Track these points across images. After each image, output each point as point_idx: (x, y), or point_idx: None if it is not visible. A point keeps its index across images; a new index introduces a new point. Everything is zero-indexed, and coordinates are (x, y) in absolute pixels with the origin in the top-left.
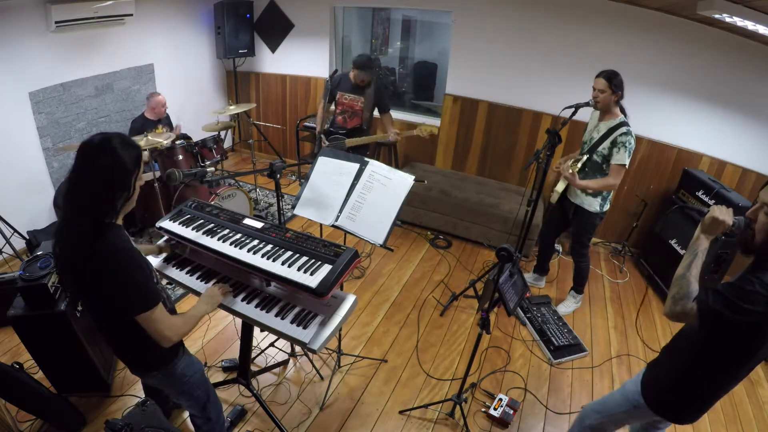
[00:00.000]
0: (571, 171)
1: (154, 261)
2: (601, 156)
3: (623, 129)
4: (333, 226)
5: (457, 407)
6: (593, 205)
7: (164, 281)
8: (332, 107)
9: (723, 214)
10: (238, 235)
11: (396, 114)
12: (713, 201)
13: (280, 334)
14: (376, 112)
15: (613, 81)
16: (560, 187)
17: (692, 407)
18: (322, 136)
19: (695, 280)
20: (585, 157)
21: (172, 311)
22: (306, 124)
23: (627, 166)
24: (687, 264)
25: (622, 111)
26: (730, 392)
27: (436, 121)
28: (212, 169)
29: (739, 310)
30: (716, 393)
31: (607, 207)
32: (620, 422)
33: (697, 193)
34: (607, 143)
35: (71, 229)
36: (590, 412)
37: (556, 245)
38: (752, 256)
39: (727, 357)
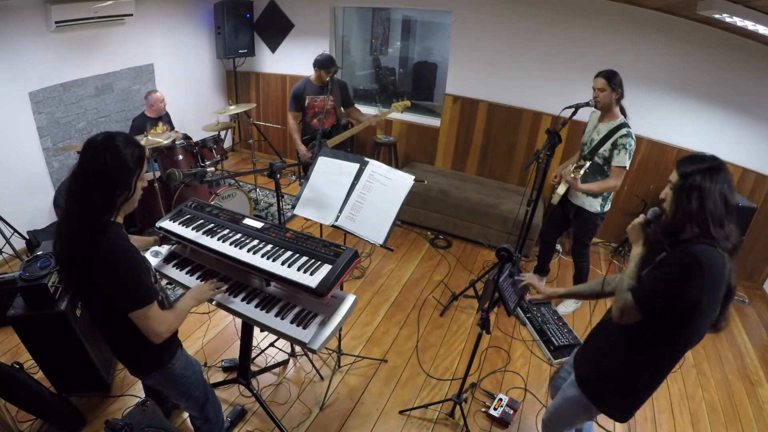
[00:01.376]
0: (573, 175)
1: (154, 261)
2: (602, 158)
3: (623, 131)
4: (333, 226)
5: (457, 407)
6: (594, 205)
7: (164, 281)
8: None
9: (634, 221)
10: (238, 235)
11: (396, 114)
12: None
13: (280, 334)
14: None
15: (612, 80)
16: (561, 189)
17: (635, 404)
18: (303, 146)
19: (627, 278)
20: (588, 164)
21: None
22: None
23: (628, 168)
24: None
25: (623, 111)
26: (730, 392)
27: (436, 121)
28: (212, 169)
29: (674, 290)
30: (657, 381)
31: (608, 207)
32: (582, 423)
33: None
34: (607, 145)
35: (71, 227)
36: (552, 426)
37: (556, 246)
38: (673, 230)
39: (666, 341)
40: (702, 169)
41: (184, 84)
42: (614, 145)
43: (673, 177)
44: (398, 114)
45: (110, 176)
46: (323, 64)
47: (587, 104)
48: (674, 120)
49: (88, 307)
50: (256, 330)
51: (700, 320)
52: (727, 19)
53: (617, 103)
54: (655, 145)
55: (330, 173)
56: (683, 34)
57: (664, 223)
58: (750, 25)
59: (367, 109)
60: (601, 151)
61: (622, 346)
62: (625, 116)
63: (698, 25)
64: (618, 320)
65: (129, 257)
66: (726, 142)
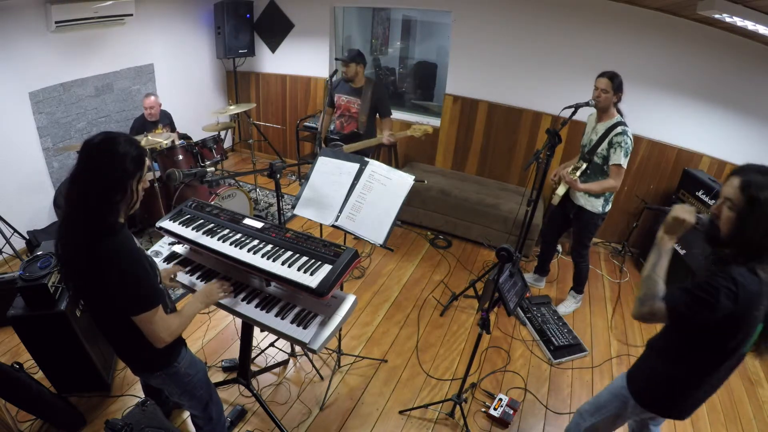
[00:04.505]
0: (572, 177)
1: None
2: (601, 157)
3: (619, 129)
4: (333, 226)
5: (457, 407)
6: (595, 206)
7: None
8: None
9: (685, 213)
10: (238, 235)
11: (396, 114)
12: (713, 201)
13: (280, 334)
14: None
15: (615, 81)
16: (561, 189)
17: (676, 401)
18: (323, 142)
19: (661, 280)
20: (584, 165)
21: (173, 311)
22: (306, 124)
23: (625, 166)
24: (652, 264)
25: (619, 112)
26: (730, 392)
27: (436, 122)
28: (212, 169)
29: (705, 306)
30: (698, 388)
31: (608, 207)
32: (614, 420)
33: (697, 193)
34: (605, 144)
35: (73, 228)
36: (585, 414)
37: (556, 246)
38: (724, 251)
39: (704, 352)
40: None
41: (184, 84)
42: (610, 144)
43: (733, 194)
44: (400, 115)
45: (107, 180)
46: (342, 58)
47: (587, 104)
48: (674, 120)
49: (90, 307)
50: (256, 330)
51: (733, 336)
52: (727, 19)
53: (614, 105)
54: (655, 145)
55: (330, 173)
56: (683, 34)
57: (718, 238)
58: (750, 25)
59: None
60: (599, 150)
61: (671, 347)
62: (622, 115)
63: (698, 25)
64: (639, 320)
65: (132, 259)
66: (726, 142)
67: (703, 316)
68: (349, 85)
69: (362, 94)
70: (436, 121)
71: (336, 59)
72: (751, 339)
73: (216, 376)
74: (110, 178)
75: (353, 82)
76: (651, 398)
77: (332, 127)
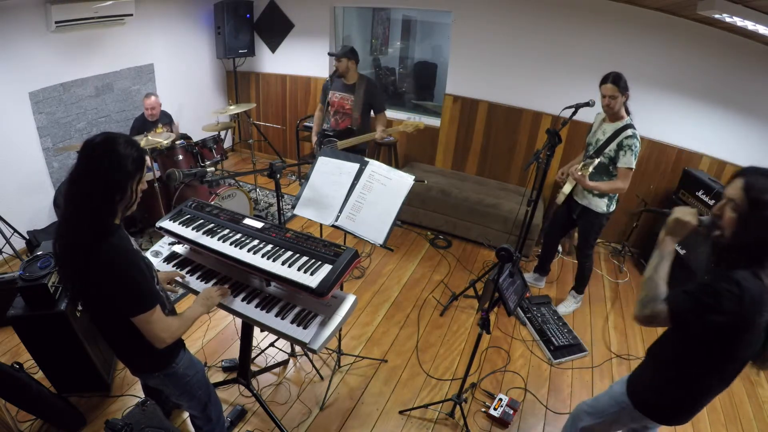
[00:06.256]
0: (581, 173)
1: (154, 261)
2: (607, 158)
3: (629, 132)
4: (333, 226)
5: (457, 407)
6: (600, 205)
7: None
8: (327, 108)
9: (686, 215)
10: (238, 235)
11: (396, 114)
12: (713, 201)
13: (280, 334)
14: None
15: (620, 84)
16: (567, 188)
17: (677, 409)
18: (315, 138)
19: (663, 282)
20: (597, 161)
21: (172, 312)
22: (306, 124)
23: (634, 169)
24: (654, 266)
25: (627, 111)
26: (730, 392)
27: (435, 121)
28: (212, 169)
29: (709, 309)
30: (701, 395)
31: (614, 207)
32: (611, 425)
33: (697, 193)
34: (613, 146)
35: (70, 229)
36: (583, 414)
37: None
38: (726, 254)
39: (707, 358)
40: None
41: (184, 84)
42: (620, 146)
43: (737, 195)
44: (400, 115)
45: (108, 180)
46: (336, 54)
47: (587, 104)
48: (674, 120)
49: (89, 308)
50: (256, 330)
51: (738, 341)
52: (727, 19)
53: (624, 104)
54: (655, 144)
55: (330, 173)
56: (683, 34)
57: (720, 242)
58: (750, 25)
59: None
60: (606, 151)
61: (675, 355)
62: (630, 115)
63: (698, 25)
64: (640, 323)
65: (129, 260)
66: (726, 143)
67: (706, 321)
68: (342, 82)
69: (355, 90)
70: (436, 121)
71: (329, 54)
72: (756, 346)
73: (216, 376)
74: (111, 178)
75: (346, 79)
76: (656, 408)
77: (326, 125)
